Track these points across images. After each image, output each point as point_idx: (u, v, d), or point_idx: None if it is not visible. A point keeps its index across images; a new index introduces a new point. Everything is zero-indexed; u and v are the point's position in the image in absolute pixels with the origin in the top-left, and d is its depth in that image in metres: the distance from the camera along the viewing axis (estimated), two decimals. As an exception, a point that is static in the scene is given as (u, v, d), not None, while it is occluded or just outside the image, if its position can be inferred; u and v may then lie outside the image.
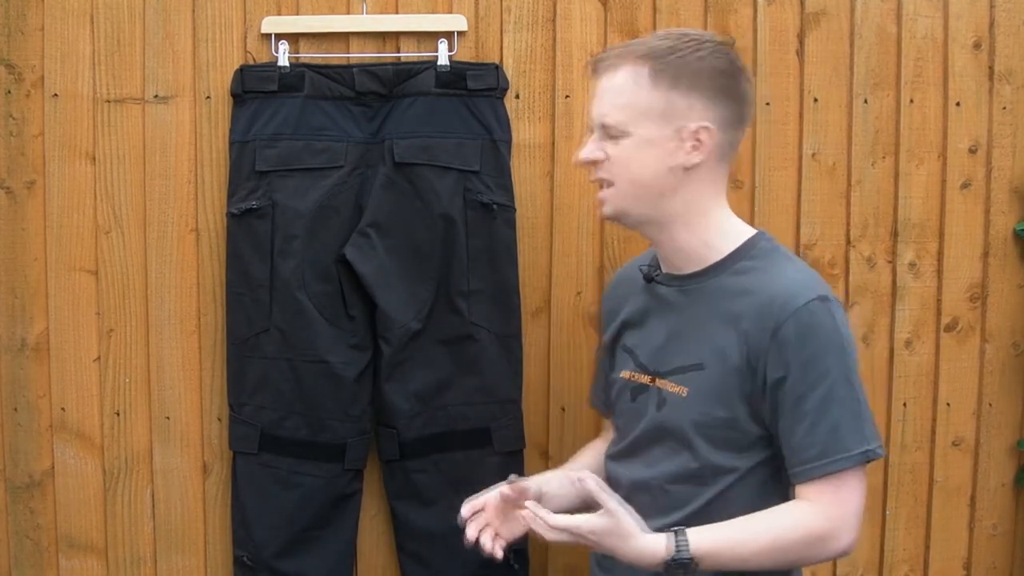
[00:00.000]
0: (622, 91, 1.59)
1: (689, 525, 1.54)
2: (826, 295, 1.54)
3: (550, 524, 1.53)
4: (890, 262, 2.18)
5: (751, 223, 2.08)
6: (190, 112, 2.05)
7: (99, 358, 2.09)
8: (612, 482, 1.67)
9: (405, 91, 2.02)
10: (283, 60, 2.02)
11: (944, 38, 2.15)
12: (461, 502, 1.98)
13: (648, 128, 1.57)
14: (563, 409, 2.15)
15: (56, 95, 2.05)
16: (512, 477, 1.68)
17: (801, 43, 2.12)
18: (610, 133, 1.60)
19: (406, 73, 2.03)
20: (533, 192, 2.09)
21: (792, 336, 1.51)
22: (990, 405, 2.23)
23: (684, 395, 1.61)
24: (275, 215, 2.00)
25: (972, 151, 2.18)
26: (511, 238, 2.06)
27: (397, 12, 2.06)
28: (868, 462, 1.53)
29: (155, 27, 2.04)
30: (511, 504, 1.65)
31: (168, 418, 2.10)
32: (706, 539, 1.51)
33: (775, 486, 1.58)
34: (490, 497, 1.67)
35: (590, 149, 1.63)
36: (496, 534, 1.66)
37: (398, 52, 2.06)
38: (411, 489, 2.08)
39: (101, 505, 2.12)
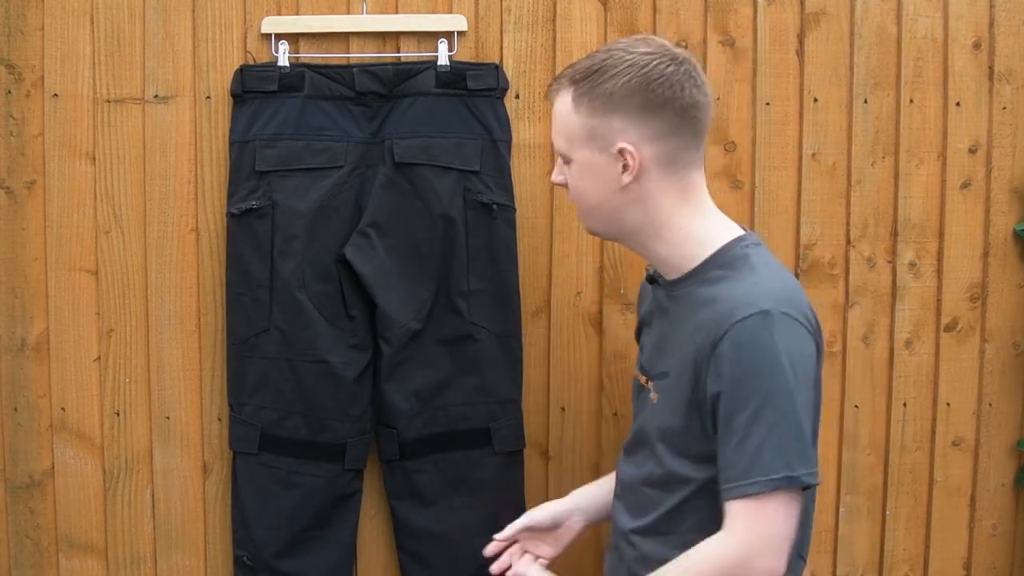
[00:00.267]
0: (558, 117, 1.62)
1: (659, 527, 1.59)
2: (769, 309, 1.47)
3: None
4: (890, 262, 2.18)
5: (751, 223, 2.11)
6: (190, 112, 2.05)
7: (99, 358, 2.09)
8: (618, 477, 1.74)
9: (405, 91, 2.02)
10: (283, 60, 2.02)
11: (944, 38, 2.15)
12: (461, 502, 2.01)
13: (583, 153, 1.59)
14: (563, 409, 2.15)
15: (56, 95, 2.05)
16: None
17: (801, 43, 2.12)
18: (563, 158, 1.63)
19: (406, 73, 2.03)
20: (533, 192, 2.09)
21: (727, 352, 1.49)
22: (990, 405, 2.23)
23: (655, 401, 1.64)
24: (275, 215, 2.00)
25: (972, 151, 2.18)
26: (511, 238, 2.06)
27: (397, 12, 2.06)
28: (795, 488, 1.46)
29: (155, 27, 2.04)
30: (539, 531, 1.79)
31: (168, 418, 2.10)
32: None
33: None
34: (514, 531, 1.79)
35: (555, 173, 1.66)
36: (525, 551, 1.80)
37: (398, 52, 2.06)
38: (411, 489, 2.08)
39: (101, 505, 2.12)
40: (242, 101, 2.02)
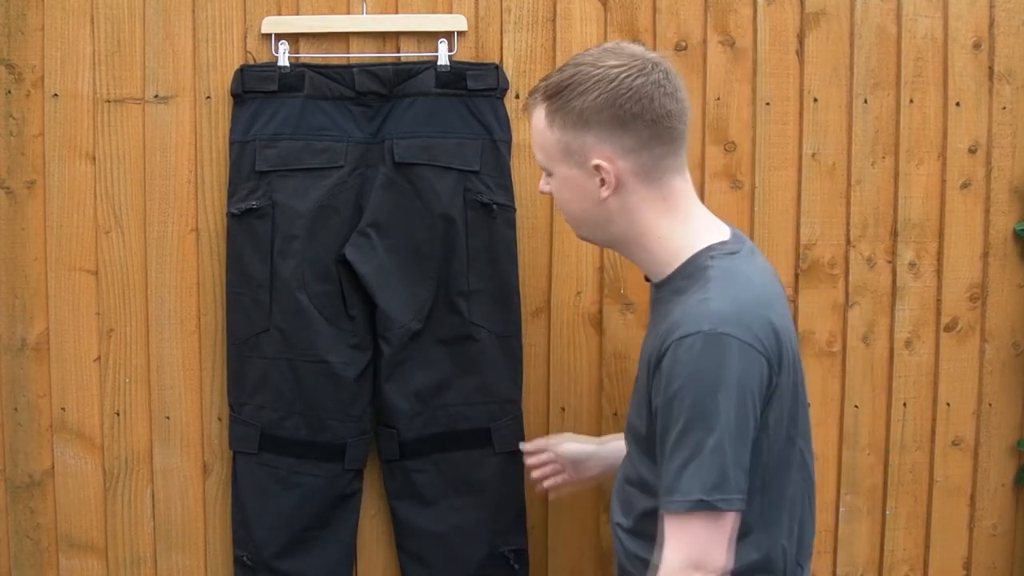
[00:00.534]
0: (535, 132, 1.62)
1: (638, 528, 1.61)
2: (708, 331, 1.45)
3: None
4: (890, 262, 2.18)
5: (751, 223, 2.12)
6: (190, 112, 2.05)
7: (99, 358, 2.09)
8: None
9: (405, 91, 2.02)
10: (283, 60, 2.02)
11: (944, 38, 2.15)
12: (461, 502, 2.02)
13: (561, 169, 1.60)
14: (563, 409, 2.15)
15: (56, 95, 2.04)
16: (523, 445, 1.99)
17: (801, 43, 2.12)
18: (545, 170, 1.64)
19: (406, 73, 2.03)
20: (533, 192, 2.09)
21: (665, 369, 1.49)
22: (990, 405, 2.23)
23: (630, 402, 1.66)
24: (275, 215, 2.00)
25: (972, 151, 2.18)
26: (511, 238, 2.06)
27: (397, 12, 2.06)
28: (713, 510, 1.45)
29: (155, 27, 2.04)
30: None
31: (168, 418, 2.10)
32: None
33: None
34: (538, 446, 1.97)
35: (541, 183, 1.67)
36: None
37: (398, 52, 2.06)
38: (411, 489, 2.08)
39: (101, 505, 2.12)
40: (242, 101, 2.02)
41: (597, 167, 1.55)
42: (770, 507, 1.55)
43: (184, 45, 2.04)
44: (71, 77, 2.04)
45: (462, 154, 2.02)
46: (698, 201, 1.63)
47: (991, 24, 2.16)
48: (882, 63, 2.14)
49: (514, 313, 2.07)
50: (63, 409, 2.10)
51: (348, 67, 2.03)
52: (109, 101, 2.05)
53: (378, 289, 2.01)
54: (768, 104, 2.12)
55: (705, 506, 1.45)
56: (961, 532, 2.24)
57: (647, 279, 1.72)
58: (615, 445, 1.89)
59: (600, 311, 2.13)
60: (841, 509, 2.20)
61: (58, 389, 2.10)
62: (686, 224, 1.60)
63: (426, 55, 2.05)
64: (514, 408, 2.09)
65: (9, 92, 2.04)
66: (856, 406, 2.19)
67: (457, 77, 2.02)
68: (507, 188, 2.05)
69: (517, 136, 2.07)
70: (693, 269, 1.56)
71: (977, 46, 2.16)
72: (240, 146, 2.02)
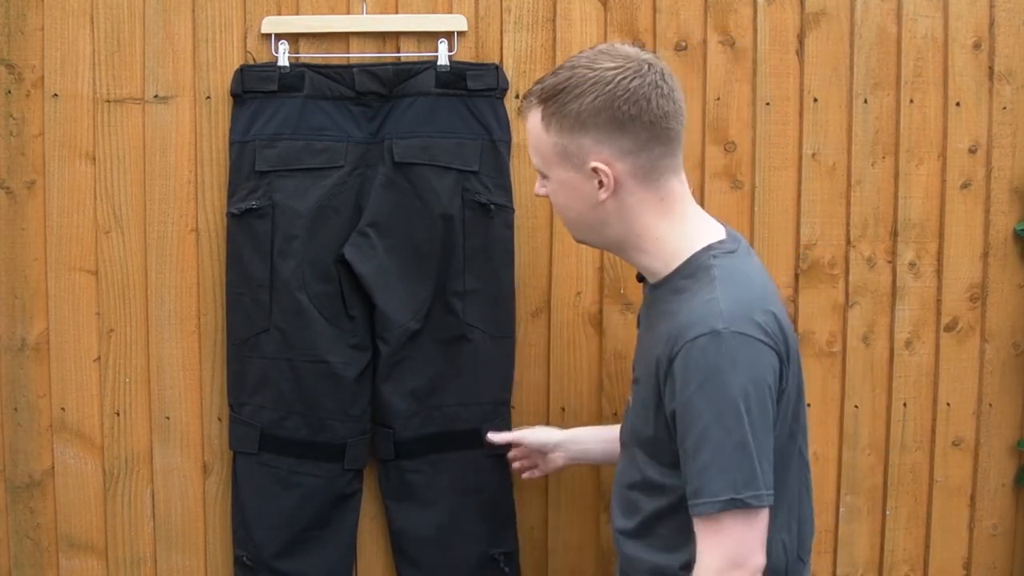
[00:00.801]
0: (531, 135, 1.62)
1: (642, 531, 1.61)
2: (720, 330, 1.47)
3: None
4: (890, 262, 2.18)
5: (751, 223, 2.12)
6: (190, 112, 2.05)
7: (99, 358, 2.09)
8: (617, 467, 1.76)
9: (405, 91, 2.02)
10: (283, 60, 2.02)
11: (944, 38, 2.15)
12: (454, 504, 2.02)
13: (558, 172, 1.59)
14: (563, 409, 2.15)
15: (56, 95, 2.04)
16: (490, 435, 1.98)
17: (801, 43, 2.12)
18: (540, 173, 1.64)
19: (406, 73, 2.03)
20: (533, 193, 2.08)
21: (679, 371, 1.49)
22: (990, 405, 2.23)
23: (630, 405, 1.66)
24: (275, 215, 2.00)
25: (972, 151, 2.18)
26: (508, 238, 2.06)
27: (397, 12, 2.06)
28: (745, 508, 1.46)
29: (155, 27, 2.04)
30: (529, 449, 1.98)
31: (168, 418, 2.10)
32: None
33: None
34: (505, 438, 1.99)
35: (537, 186, 1.67)
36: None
37: (398, 52, 2.06)
38: (406, 490, 2.07)
39: (101, 505, 2.12)
40: (242, 101, 2.02)
41: (595, 169, 1.55)
42: None
43: (184, 45, 2.04)
44: (71, 77, 2.04)
45: (462, 154, 2.02)
46: (693, 201, 1.64)
47: (991, 24, 2.16)
48: (882, 63, 2.14)
49: (508, 314, 2.07)
50: (63, 409, 2.10)
51: (348, 67, 2.03)
52: (109, 101, 2.05)
53: (377, 289, 2.01)
54: (768, 104, 2.12)
55: (737, 504, 1.46)
56: (961, 532, 2.24)
57: (639, 279, 1.73)
58: (582, 434, 1.96)
59: (600, 311, 2.13)
60: (841, 509, 2.20)
61: (58, 389, 2.10)
62: (683, 224, 1.60)
63: (426, 55, 2.05)
64: (504, 410, 2.09)
65: (9, 92, 2.04)
66: (856, 406, 2.19)
67: (457, 77, 2.02)
68: (506, 188, 2.05)
69: (517, 136, 2.07)
70: (694, 269, 1.56)
71: (977, 46, 2.16)
72: (240, 146, 2.02)
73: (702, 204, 1.82)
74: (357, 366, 2.03)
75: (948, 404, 2.21)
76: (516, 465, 2.05)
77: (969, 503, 2.24)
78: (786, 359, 1.53)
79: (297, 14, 2.04)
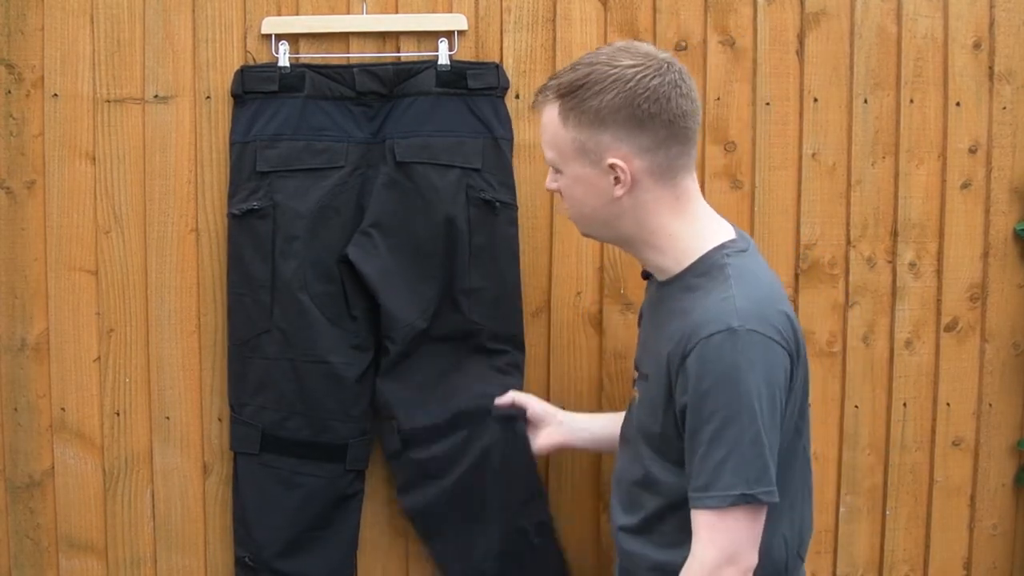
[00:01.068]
0: (547, 130, 1.63)
1: (644, 528, 1.62)
2: (736, 328, 1.48)
3: None
4: (890, 262, 2.18)
5: (751, 223, 2.12)
6: (190, 112, 2.05)
7: (99, 358, 2.09)
8: (616, 463, 1.76)
9: (405, 91, 2.02)
10: (283, 60, 2.02)
11: (944, 38, 2.15)
12: (472, 477, 2.02)
13: (574, 167, 1.60)
14: (563, 408, 2.14)
15: (56, 95, 2.04)
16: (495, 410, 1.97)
17: (801, 43, 2.12)
18: (554, 167, 1.64)
19: (406, 73, 2.03)
20: (533, 192, 2.09)
21: (693, 367, 1.50)
22: (990, 405, 2.23)
23: (636, 401, 1.67)
24: (276, 215, 2.00)
25: (972, 151, 2.18)
26: (513, 236, 2.06)
27: (397, 12, 2.06)
28: (753, 504, 1.49)
29: (155, 27, 2.04)
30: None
31: (168, 418, 2.10)
32: None
33: None
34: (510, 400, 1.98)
35: (549, 180, 1.67)
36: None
37: (398, 52, 2.06)
38: (422, 471, 2.04)
39: (101, 505, 2.12)
40: (242, 101, 2.02)
41: (612, 166, 1.56)
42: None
43: (184, 45, 2.04)
44: (71, 77, 2.04)
45: (463, 152, 2.02)
46: (704, 200, 1.65)
47: (991, 24, 2.16)
48: (882, 63, 2.14)
49: (515, 312, 2.07)
50: (63, 409, 2.10)
51: (348, 67, 2.03)
52: (109, 101, 2.05)
53: (382, 289, 2.01)
54: (768, 104, 2.12)
55: (748, 499, 1.48)
56: (961, 532, 2.24)
57: (644, 276, 1.73)
58: (582, 418, 1.97)
59: (600, 311, 2.13)
60: (841, 509, 2.20)
61: (58, 389, 2.09)
62: (696, 223, 1.62)
63: (426, 55, 2.05)
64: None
65: (9, 92, 2.04)
66: (856, 406, 2.19)
67: (457, 76, 2.02)
68: (510, 186, 2.05)
69: (517, 136, 2.07)
70: (708, 267, 1.58)
71: (977, 46, 2.16)
72: (240, 147, 2.02)
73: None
74: (359, 366, 2.03)
75: (948, 404, 2.21)
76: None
77: (969, 503, 2.24)
78: (796, 358, 1.55)
79: (297, 14, 2.04)
